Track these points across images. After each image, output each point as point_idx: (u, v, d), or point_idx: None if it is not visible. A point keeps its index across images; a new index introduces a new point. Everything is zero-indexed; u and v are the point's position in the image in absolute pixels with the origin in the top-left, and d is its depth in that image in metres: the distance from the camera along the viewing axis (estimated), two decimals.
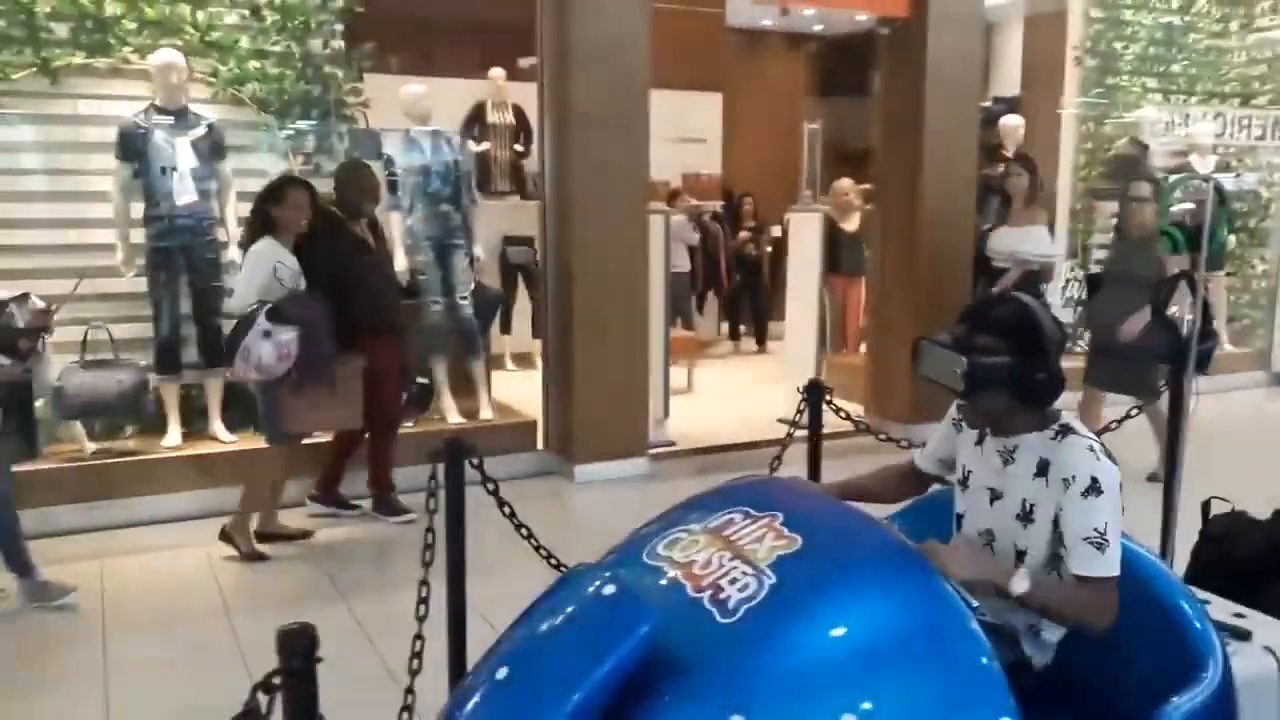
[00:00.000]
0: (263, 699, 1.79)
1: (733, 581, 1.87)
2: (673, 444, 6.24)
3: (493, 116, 8.49)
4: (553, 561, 2.96)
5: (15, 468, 4.17)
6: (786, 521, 2.01)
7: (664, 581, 1.94)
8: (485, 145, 8.39)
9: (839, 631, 1.76)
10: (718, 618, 1.80)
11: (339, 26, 5.54)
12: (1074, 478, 2.05)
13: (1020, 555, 2.16)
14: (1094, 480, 2.03)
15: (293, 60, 5.40)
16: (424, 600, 2.64)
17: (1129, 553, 2.13)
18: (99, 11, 4.98)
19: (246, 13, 5.30)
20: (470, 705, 1.78)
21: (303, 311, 4.36)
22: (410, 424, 5.48)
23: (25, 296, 4.05)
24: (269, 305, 4.31)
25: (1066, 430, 2.13)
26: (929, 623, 1.79)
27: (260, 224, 4.48)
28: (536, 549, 2.99)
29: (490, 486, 2.79)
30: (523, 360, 8.08)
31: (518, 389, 6.72)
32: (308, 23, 5.40)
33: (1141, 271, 5.27)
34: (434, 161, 5.68)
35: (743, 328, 10.37)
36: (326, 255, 4.64)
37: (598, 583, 1.86)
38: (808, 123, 8.47)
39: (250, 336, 4.26)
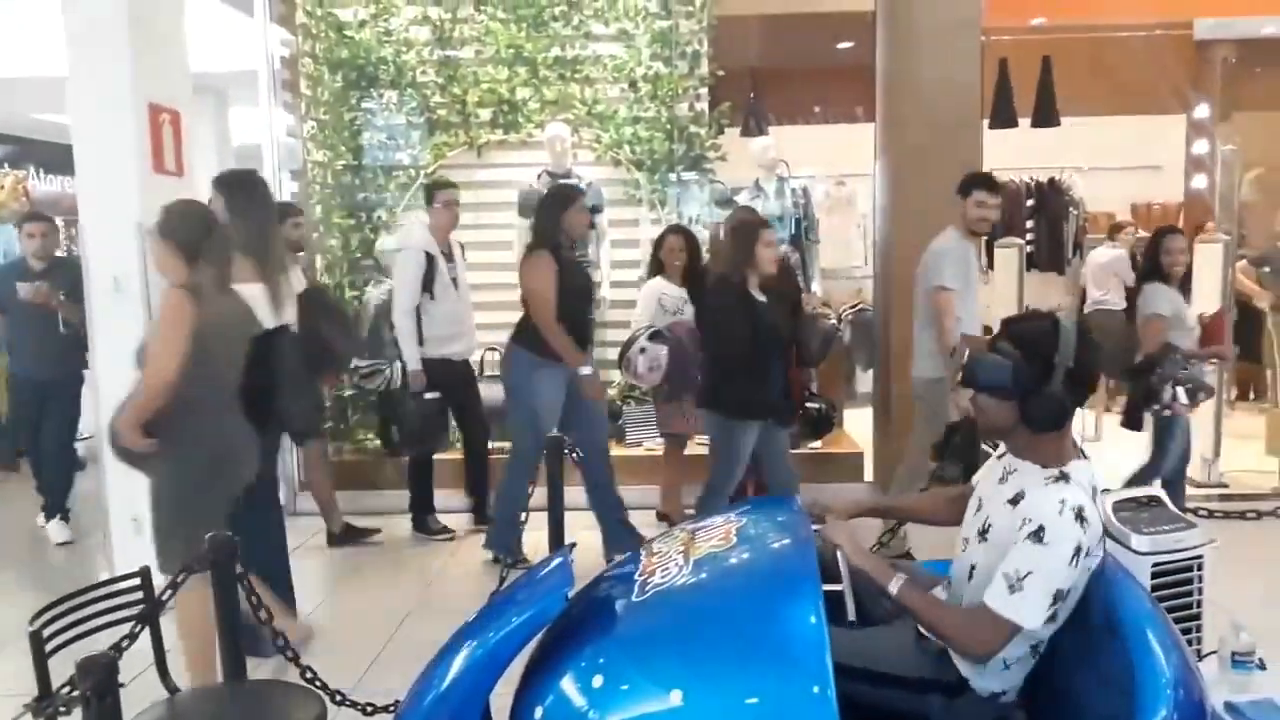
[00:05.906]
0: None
1: (664, 570, 2.18)
2: None
3: None
4: None
5: None
6: (741, 527, 2.27)
7: (631, 566, 2.30)
8: None
9: (698, 622, 1.98)
10: (633, 596, 2.14)
11: (702, 90, 6.28)
12: (1029, 520, 2.01)
13: (971, 570, 2.15)
14: (1041, 529, 1.98)
15: (661, 123, 6.25)
16: None
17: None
18: (512, 96, 6.23)
19: (625, 86, 6.25)
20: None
21: (674, 335, 5.19)
22: (816, 444, 5.97)
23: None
24: (653, 328, 5.19)
25: (1063, 478, 2.06)
26: (783, 642, 1.87)
27: (652, 265, 5.50)
28: None
29: None
30: None
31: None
32: (675, 90, 6.22)
33: None
34: (778, 206, 6.16)
35: None
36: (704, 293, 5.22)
37: (557, 559, 2.29)
38: (1222, 143, 7.50)
39: (631, 350, 5.20)
